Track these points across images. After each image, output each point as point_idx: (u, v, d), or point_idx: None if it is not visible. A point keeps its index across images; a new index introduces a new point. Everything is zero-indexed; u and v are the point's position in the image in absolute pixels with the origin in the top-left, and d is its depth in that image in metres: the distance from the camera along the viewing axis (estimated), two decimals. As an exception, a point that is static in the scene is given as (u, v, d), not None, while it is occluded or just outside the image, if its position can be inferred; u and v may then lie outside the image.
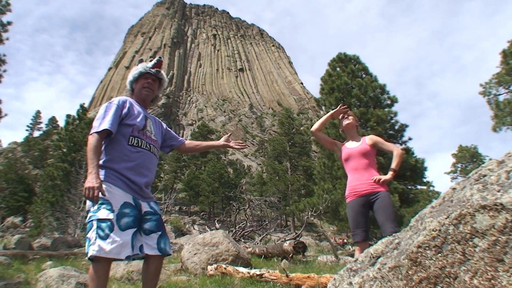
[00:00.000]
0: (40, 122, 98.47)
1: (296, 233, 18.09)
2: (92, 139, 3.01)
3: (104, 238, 2.75)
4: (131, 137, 3.22)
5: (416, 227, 1.83)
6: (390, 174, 4.54)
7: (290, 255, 10.93)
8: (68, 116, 34.06)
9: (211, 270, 7.25)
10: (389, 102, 22.34)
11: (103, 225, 2.79)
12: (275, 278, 6.33)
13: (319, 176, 24.83)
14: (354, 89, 21.75)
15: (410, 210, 26.33)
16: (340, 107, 5.09)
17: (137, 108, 3.41)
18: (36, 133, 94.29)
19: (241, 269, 6.94)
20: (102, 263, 2.78)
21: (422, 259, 1.59)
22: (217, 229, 16.14)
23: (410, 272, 1.62)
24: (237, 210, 23.37)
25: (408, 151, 22.55)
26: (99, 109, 3.26)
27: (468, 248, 1.44)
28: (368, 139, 4.89)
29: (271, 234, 20.19)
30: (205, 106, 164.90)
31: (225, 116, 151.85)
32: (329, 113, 5.16)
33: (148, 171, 3.28)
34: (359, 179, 4.60)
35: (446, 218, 1.56)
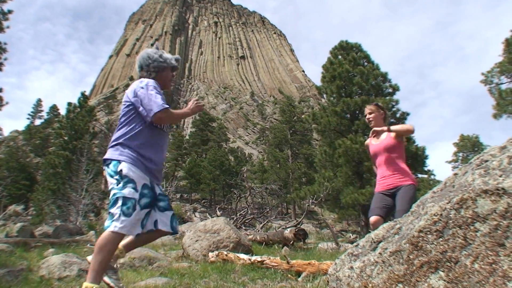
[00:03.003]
0: (41, 111, 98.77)
1: (297, 221, 18.15)
2: (168, 112, 3.17)
3: (127, 215, 2.88)
4: None
5: (417, 212, 1.84)
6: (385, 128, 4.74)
7: (291, 242, 10.97)
8: (69, 104, 33.99)
9: (212, 256, 7.28)
10: (390, 90, 22.27)
11: (128, 203, 2.91)
12: (276, 264, 6.36)
13: (320, 164, 24.86)
14: (355, 77, 21.67)
15: (410, 198, 26.36)
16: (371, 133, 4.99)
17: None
18: (38, 122, 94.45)
19: (242, 255, 6.96)
20: (119, 237, 2.89)
21: (423, 244, 1.60)
22: (218, 216, 16.21)
23: (411, 257, 1.63)
24: (238, 198, 23.39)
25: (409, 140, 22.53)
26: (143, 89, 3.30)
27: (469, 232, 1.45)
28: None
29: (272, 221, 20.25)
30: (206, 94, 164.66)
31: (226, 104, 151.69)
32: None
33: (164, 152, 3.43)
34: (384, 174, 4.71)
35: (447, 203, 1.56)
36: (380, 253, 1.82)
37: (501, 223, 1.35)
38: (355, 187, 21.30)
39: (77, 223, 18.72)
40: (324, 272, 5.75)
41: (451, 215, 1.53)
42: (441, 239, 1.54)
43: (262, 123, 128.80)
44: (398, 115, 22.42)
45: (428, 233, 1.59)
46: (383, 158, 4.77)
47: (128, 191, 2.95)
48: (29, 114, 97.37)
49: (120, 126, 3.29)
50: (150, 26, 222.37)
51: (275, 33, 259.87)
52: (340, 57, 23.19)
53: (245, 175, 26.62)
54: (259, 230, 16.37)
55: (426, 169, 26.51)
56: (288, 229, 11.57)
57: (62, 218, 22.93)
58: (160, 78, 3.55)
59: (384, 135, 4.88)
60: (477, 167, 1.66)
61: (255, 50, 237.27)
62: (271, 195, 34.25)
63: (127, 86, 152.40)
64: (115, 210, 2.89)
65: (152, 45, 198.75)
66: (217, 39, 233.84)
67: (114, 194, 2.96)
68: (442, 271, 1.50)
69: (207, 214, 31.71)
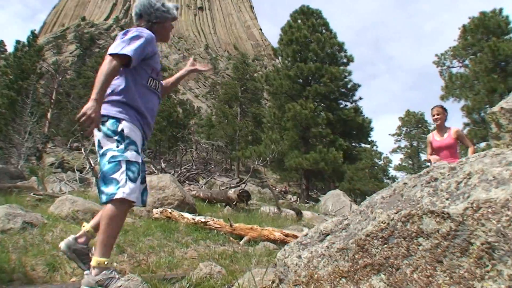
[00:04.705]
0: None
1: (241, 179, 18.41)
2: (110, 63, 2.65)
3: (133, 181, 2.63)
4: (150, 79, 3.01)
5: (366, 213, 1.96)
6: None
7: (234, 203, 11.16)
8: (17, 42, 32.56)
9: (156, 213, 7.35)
10: (345, 60, 22.66)
11: (133, 167, 2.67)
12: (219, 226, 6.51)
13: (268, 125, 25.24)
14: (312, 43, 21.80)
15: (352, 167, 27.32)
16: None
17: (157, 48, 3.17)
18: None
19: (186, 215, 7.08)
20: (127, 205, 2.64)
21: (369, 247, 1.73)
22: (162, 168, 16.19)
23: (356, 256, 1.76)
24: (184, 152, 23.37)
25: (357, 110, 23.11)
26: (120, 36, 2.90)
27: (412, 245, 1.58)
28: (454, 133, 6.18)
29: (215, 178, 20.41)
30: (159, 43, 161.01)
31: (179, 55, 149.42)
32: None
33: (155, 115, 3.15)
34: None
35: (395, 213, 1.69)
36: (327, 247, 1.94)
37: (442, 243, 1.49)
38: (300, 152, 21.79)
39: (18, 166, 18.35)
40: (265, 238, 5.97)
41: (397, 226, 1.66)
42: (385, 245, 1.68)
43: (214, 78, 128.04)
44: (349, 86, 22.88)
45: (375, 238, 1.73)
46: (443, 153, 6.04)
47: (131, 154, 2.68)
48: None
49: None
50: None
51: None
52: (299, 21, 23.21)
53: (192, 129, 26.59)
54: (202, 186, 16.49)
55: (370, 139, 27.50)
56: (232, 190, 11.76)
57: (3, 160, 22.37)
58: (161, 29, 3.23)
59: (446, 135, 6.19)
60: (426, 184, 1.79)
61: (214, 2, 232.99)
62: (216, 151, 34.42)
63: (78, 26, 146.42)
64: (120, 176, 2.59)
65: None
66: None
67: (114, 157, 2.64)
68: (384, 275, 1.64)
69: (151, 165, 31.54)
